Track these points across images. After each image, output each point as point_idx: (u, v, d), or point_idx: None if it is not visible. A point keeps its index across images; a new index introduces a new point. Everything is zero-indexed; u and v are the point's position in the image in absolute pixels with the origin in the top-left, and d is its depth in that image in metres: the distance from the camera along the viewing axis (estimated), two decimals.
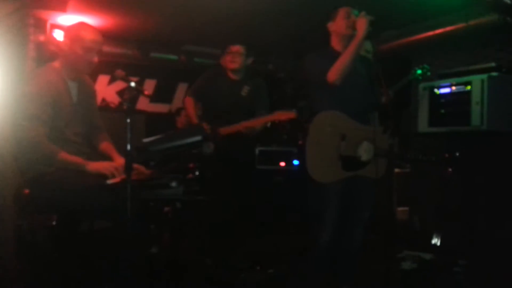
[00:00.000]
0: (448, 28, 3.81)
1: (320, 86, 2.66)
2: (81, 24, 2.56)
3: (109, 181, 2.37)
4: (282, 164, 4.95)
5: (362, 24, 2.57)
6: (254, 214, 3.93)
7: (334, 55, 2.67)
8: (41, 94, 2.38)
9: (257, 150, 4.83)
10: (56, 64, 2.55)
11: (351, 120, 2.65)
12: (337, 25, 2.74)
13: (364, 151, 2.66)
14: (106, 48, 4.97)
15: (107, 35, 4.91)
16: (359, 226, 2.85)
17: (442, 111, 3.43)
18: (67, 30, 2.59)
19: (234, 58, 3.44)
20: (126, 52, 5.05)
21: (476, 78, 3.19)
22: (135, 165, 2.38)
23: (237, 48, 3.45)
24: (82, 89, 2.64)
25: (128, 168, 2.13)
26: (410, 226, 4.56)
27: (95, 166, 2.42)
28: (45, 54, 4.47)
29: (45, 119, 2.38)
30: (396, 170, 4.89)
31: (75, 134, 2.55)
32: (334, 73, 2.57)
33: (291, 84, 5.54)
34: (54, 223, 2.86)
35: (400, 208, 4.81)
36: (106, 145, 2.73)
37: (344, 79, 2.58)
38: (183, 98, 3.74)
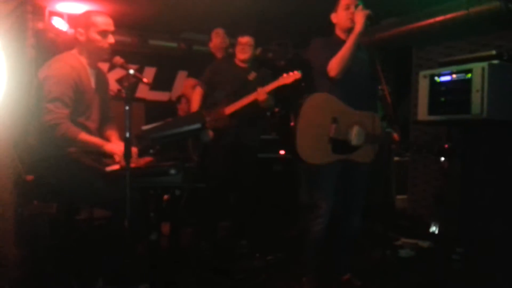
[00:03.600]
0: (449, 16, 3.78)
1: (321, 72, 2.68)
2: (89, 11, 2.64)
3: (108, 169, 2.39)
4: (282, 152, 4.96)
5: (360, 18, 2.61)
6: (255, 202, 3.93)
7: (339, 43, 2.70)
8: (64, 77, 2.45)
9: None
10: (75, 52, 2.60)
11: (344, 104, 2.66)
12: (338, 17, 2.78)
13: (355, 136, 2.67)
14: None
15: None
16: (357, 214, 2.86)
17: (442, 99, 3.41)
18: (77, 20, 2.62)
19: (245, 49, 3.56)
20: (125, 40, 5.01)
21: (477, 66, 3.16)
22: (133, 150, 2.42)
23: (247, 39, 3.57)
24: (99, 77, 2.71)
25: (127, 156, 2.14)
26: (409, 214, 4.59)
27: (111, 147, 2.50)
28: (44, 41, 4.44)
29: (68, 102, 2.44)
30: (396, 158, 4.91)
31: (92, 121, 2.61)
32: (334, 68, 2.61)
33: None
34: (54, 211, 2.88)
35: (399, 196, 4.83)
36: (110, 132, 2.78)
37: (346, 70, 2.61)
38: (193, 87, 3.76)
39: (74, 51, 2.60)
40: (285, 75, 3.29)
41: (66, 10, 4.47)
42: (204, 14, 4.59)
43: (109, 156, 2.48)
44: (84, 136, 2.45)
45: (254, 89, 3.40)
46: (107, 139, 2.71)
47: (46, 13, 4.43)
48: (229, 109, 3.46)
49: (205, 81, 3.66)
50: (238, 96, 3.46)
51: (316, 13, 2.85)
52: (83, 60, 2.58)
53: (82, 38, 2.55)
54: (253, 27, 4.81)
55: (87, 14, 2.61)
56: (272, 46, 5.70)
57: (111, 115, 2.84)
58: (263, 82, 3.45)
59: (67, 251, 2.73)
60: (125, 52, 4.55)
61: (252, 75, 3.57)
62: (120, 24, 4.96)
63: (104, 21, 2.57)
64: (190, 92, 3.91)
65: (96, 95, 2.64)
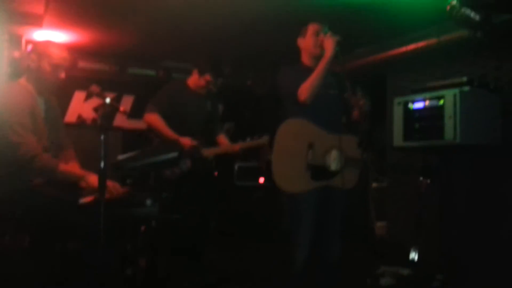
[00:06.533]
0: (420, 44, 3.90)
1: (291, 99, 2.67)
2: (49, 42, 2.61)
3: (82, 201, 2.33)
4: (261, 180, 4.94)
5: (330, 44, 2.61)
6: (232, 230, 3.90)
7: (305, 69, 2.71)
8: (20, 106, 2.39)
9: (236, 166, 4.82)
10: (22, 80, 2.55)
11: (318, 128, 2.63)
12: (306, 42, 2.78)
13: (333, 160, 2.63)
14: (83, 64, 4.93)
15: (84, 51, 4.90)
16: (336, 239, 2.80)
17: (416, 125, 3.47)
18: (34, 46, 2.59)
19: (208, 86, 3.57)
20: (103, 68, 5.03)
21: (449, 93, 3.25)
22: (109, 183, 2.36)
23: (212, 78, 3.53)
24: (49, 105, 2.64)
25: (101, 186, 2.10)
26: (389, 241, 4.59)
27: (94, 179, 2.39)
28: (19, 70, 4.39)
29: (32, 129, 2.39)
30: (374, 184, 4.94)
31: (44, 148, 2.52)
32: (304, 93, 2.59)
33: (268, 100, 5.55)
34: (26, 244, 2.79)
35: (378, 223, 4.84)
36: (71, 164, 2.69)
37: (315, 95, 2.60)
38: (145, 115, 3.55)
39: (22, 80, 2.54)
40: (266, 138, 3.48)
41: (43, 39, 4.45)
42: (184, 43, 4.63)
43: (83, 188, 2.41)
44: (64, 167, 2.42)
45: (212, 120, 3.67)
46: None
47: (23, 41, 4.41)
48: (210, 152, 3.50)
49: (159, 106, 3.49)
50: (204, 131, 3.56)
51: (294, 41, 2.87)
52: (31, 88, 2.52)
53: (33, 65, 2.50)
54: (232, 56, 4.87)
55: (46, 43, 2.57)
56: (251, 73, 5.76)
57: (66, 143, 2.76)
58: (215, 108, 3.75)
59: (42, 283, 2.63)
60: (103, 80, 4.57)
61: (208, 105, 3.66)
62: (99, 53, 5.00)
63: (60, 55, 2.53)
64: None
65: (46, 123, 2.56)
